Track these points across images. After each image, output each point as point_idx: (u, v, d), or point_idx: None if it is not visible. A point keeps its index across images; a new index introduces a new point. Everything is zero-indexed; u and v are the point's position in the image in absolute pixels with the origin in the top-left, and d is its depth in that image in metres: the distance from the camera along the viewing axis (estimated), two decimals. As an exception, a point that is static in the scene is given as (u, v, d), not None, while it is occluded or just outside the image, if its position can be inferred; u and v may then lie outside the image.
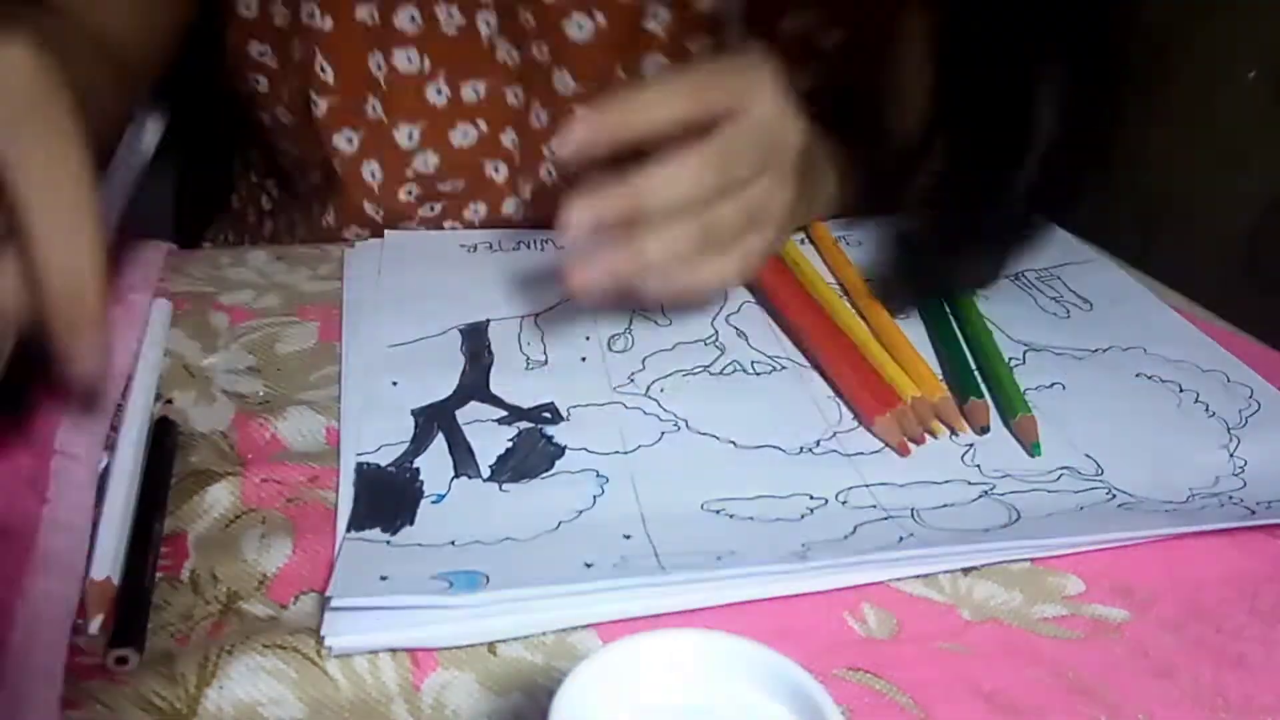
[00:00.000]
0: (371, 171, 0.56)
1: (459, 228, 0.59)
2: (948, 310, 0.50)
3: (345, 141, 0.55)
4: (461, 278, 0.51)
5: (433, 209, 0.59)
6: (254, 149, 0.67)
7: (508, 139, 0.58)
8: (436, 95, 0.55)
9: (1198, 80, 0.75)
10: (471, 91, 0.56)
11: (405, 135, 0.56)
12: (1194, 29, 0.76)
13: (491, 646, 0.31)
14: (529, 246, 0.55)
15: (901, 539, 0.35)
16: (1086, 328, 0.51)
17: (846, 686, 0.30)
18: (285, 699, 0.29)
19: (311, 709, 0.28)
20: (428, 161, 0.57)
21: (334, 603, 0.30)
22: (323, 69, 0.54)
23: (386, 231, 0.55)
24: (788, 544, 0.35)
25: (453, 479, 0.37)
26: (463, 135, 0.57)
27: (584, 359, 0.45)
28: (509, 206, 0.59)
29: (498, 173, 0.58)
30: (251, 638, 0.30)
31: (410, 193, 0.58)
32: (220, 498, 0.36)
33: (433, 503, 0.36)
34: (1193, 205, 0.76)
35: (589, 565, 0.33)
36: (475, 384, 0.43)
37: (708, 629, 0.24)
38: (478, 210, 0.59)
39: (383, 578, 0.32)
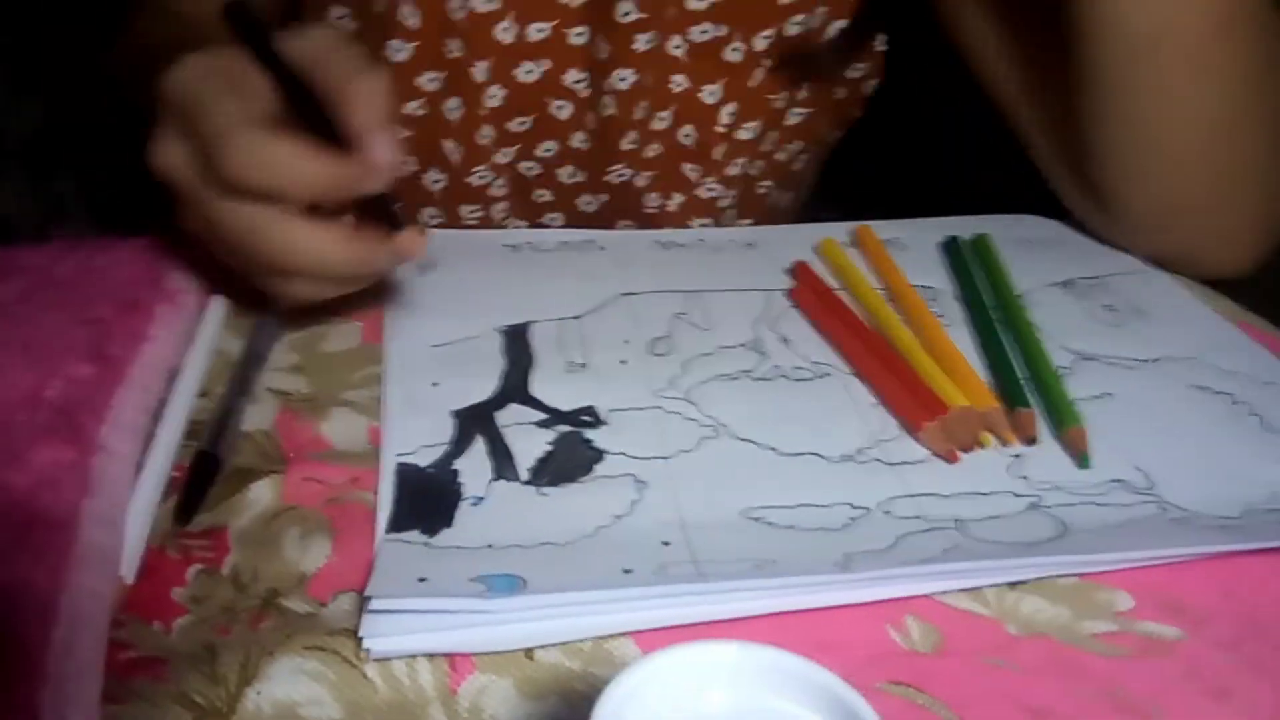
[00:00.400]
0: (450, 108, 0.60)
1: (534, 167, 0.63)
2: (995, 317, 0.49)
3: (429, 81, 0.59)
4: (504, 278, 0.52)
5: (506, 155, 0.62)
6: None
7: (569, 78, 0.60)
8: (504, 33, 0.58)
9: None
10: (536, 31, 0.58)
11: (480, 71, 0.59)
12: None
13: (529, 652, 0.31)
14: (571, 247, 0.55)
15: (946, 551, 0.35)
16: (1138, 336, 0.50)
17: (888, 700, 0.30)
18: (323, 700, 0.29)
19: (349, 711, 0.29)
20: (495, 95, 0.60)
21: (373, 604, 0.30)
22: (406, 16, 0.57)
23: (431, 232, 0.55)
24: (829, 554, 0.34)
25: (491, 481, 0.37)
26: (527, 72, 0.59)
27: (624, 362, 0.45)
28: (575, 140, 0.62)
29: (561, 111, 0.61)
30: (292, 638, 0.30)
31: (486, 136, 0.61)
32: (262, 495, 0.36)
33: (471, 505, 0.36)
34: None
35: (627, 571, 0.33)
36: (516, 386, 0.43)
37: (748, 640, 0.24)
38: (549, 149, 0.63)
39: (421, 579, 0.32)
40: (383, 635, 0.30)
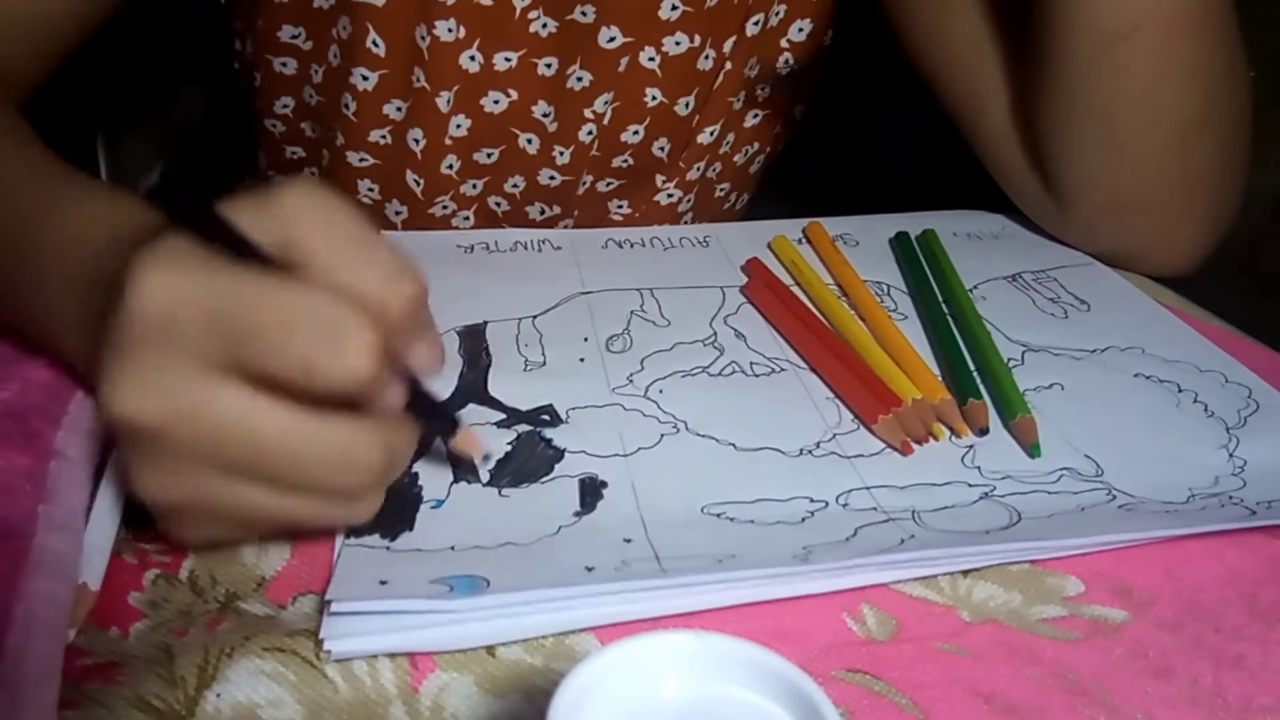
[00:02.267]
0: (415, 139, 0.59)
1: (502, 202, 0.63)
2: (946, 311, 0.50)
3: (395, 110, 0.58)
4: (458, 278, 0.51)
5: (475, 187, 0.62)
6: (261, 151, 0.68)
7: (539, 110, 0.59)
8: (470, 62, 0.57)
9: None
10: (503, 60, 0.58)
11: (444, 101, 0.58)
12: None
13: (490, 650, 0.31)
14: (526, 248, 0.55)
15: (903, 541, 0.35)
16: (1084, 328, 0.51)
17: (845, 687, 0.30)
18: (284, 701, 0.29)
19: (310, 711, 0.28)
20: (461, 125, 0.59)
21: (334, 607, 0.30)
22: (375, 44, 0.56)
23: (383, 232, 0.55)
24: (789, 547, 0.35)
25: (452, 484, 0.37)
26: (494, 102, 0.59)
27: (582, 360, 0.45)
28: (543, 177, 0.62)
29: (530, 144, 0.60)
30: (251, 639, 0.30)
31: (450, 166, 0.60)
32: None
33: (432, 508, 0.36)
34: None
35: (590, 569, 0.33)
36: (474, 386, 0.43)
37: (706, 630, 0.24)
38: (516, 184, 0.62)
39: (382, 582, 0.31)
40: (343, 637, 0.30)
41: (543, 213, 0.63)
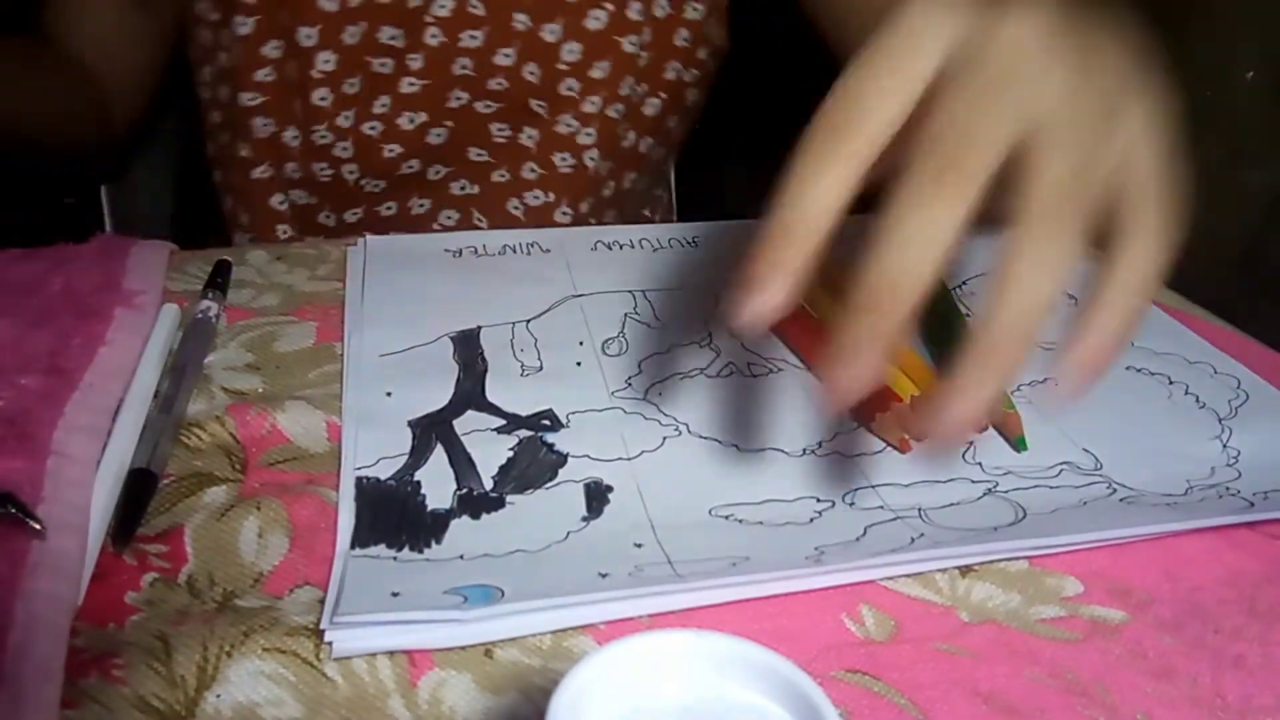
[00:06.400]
0: (289, 73, 0.66)
1: (377, 125, 0.68)
2: (934, 308, 0.50)
3: (272, 49, 0.65)
4: (448, 283, 0.51)
5: (347, 118, 0.67)
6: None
7: (383, 34, 0.65)
8: (328, 3, 0.65)
9: (1197, 80, 0.75)
10: None
11: (306, 37, 0.65)
12: (1192, 31, 0.76)
13: (488, 651, 0.31)
14: (515, 250, 0.55)
15: (913, 540, 0.35)
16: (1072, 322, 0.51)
17: (844, 688, 0.30)
18: (283, 700, 0.29)
19: (309, 708, 0.29)
20: (330, 60, 0.65)
21: (346, 619, 0.30)
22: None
23: (369, 237, 0.55)
24: (801, 548, 0.34)
25: (455, 491, 0.37)
26: (350, 36, 0.65)
27: (579, 364, 0.45)
28: (404, 87, 0.67)
29: (384, 67, 0.66)
30: (250, 636, 0.30)
31: (323, 99, 0.66)
32: (218, 495, 0.36)
33: (437, 518, 0.36)
34: (1192, 205, 0.76)
35: (604, 575, 0.33)
36: (472, 392, 0.43)
37: (705, 630, 0.24)
38: (384, 104, 0.67)
39: (394, 594, 0.31)
40: (347, 638, 0.30)
41: (411, 120, 0.68)
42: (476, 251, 0.55)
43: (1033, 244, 0.28)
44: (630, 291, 0.51)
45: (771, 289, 0.29)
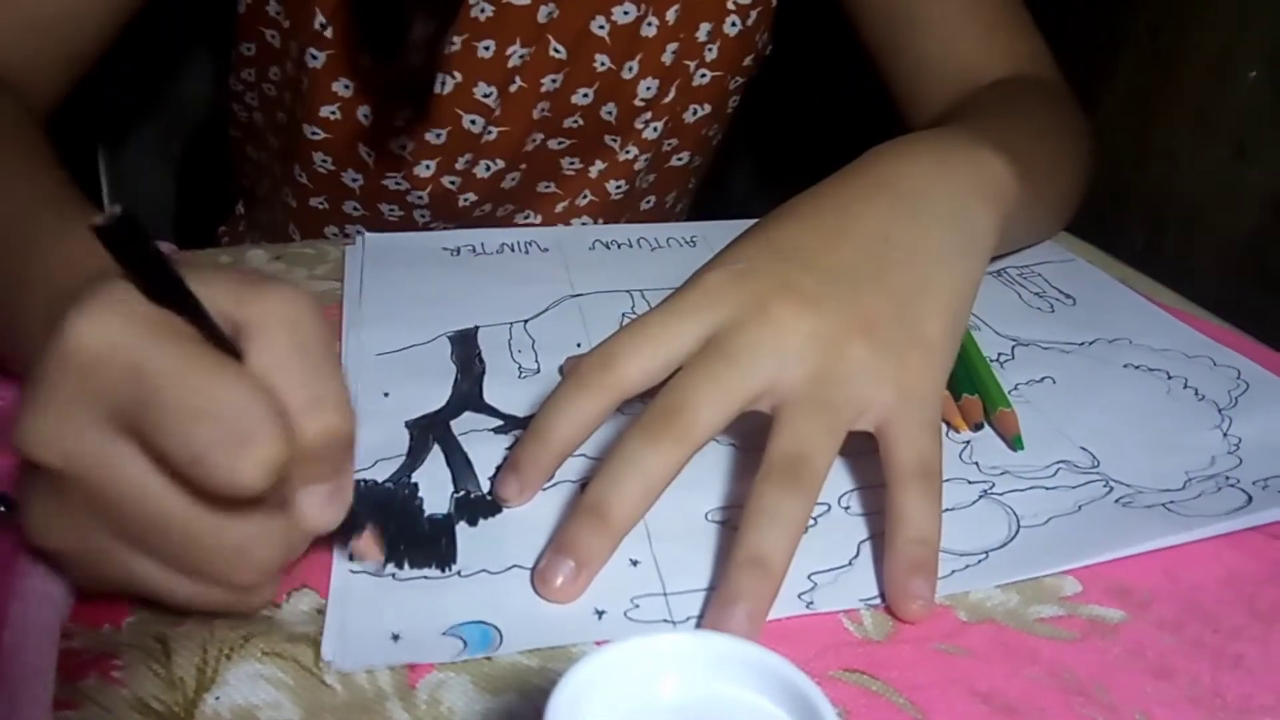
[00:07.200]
0: (362, 115, 0.60)
1: (456, 180, 0.64)
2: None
3: (342, 88, 0.60)
4: (446, 282, 0.51)
5: (428, 168, 0.63)
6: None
7: (479, 91, 0.61)
8: None
9: (1200, 80, 0.75)
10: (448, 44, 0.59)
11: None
12: (1195, 29, 0.76)
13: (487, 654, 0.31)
14: (513, 249, 0.55)
15: None
16: (1071, 321, 0.51)
17: (843, 687, 0.30)
18: (282, 703, 0.29)
19: (308, 711, 0.28)
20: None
21: (344, 665, 0.30)
22: (321, 25, 0.58)
23: (368, 234, 0.55)
24: (795, 580, 0.33)
25: (453, 495, 0.37)
26: (440, 84, 0.60)
27: None
28: (488, 136, 0.63)
29: (474, 125, 0.62)
30: (250, 641, 0.30)
31: (403, 147, 0.62)
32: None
33: (435, 525, 0.35)
34: (1196, 205, 0.76)
35: (601, 613, 0.32)
36: (469, 393, 0.43)
37: (704, 630, 0.24)
38: (467, 159, 0.63)
39: (395, 637, 0.31)
40: (345, 660, 0.30)
41: (488, 169, 0.64)
42: (474, 250, 0.55)
43: (769, 496, 0.33)
44: (628, 291, 0.51)
45: (514, 489, 0.36)
